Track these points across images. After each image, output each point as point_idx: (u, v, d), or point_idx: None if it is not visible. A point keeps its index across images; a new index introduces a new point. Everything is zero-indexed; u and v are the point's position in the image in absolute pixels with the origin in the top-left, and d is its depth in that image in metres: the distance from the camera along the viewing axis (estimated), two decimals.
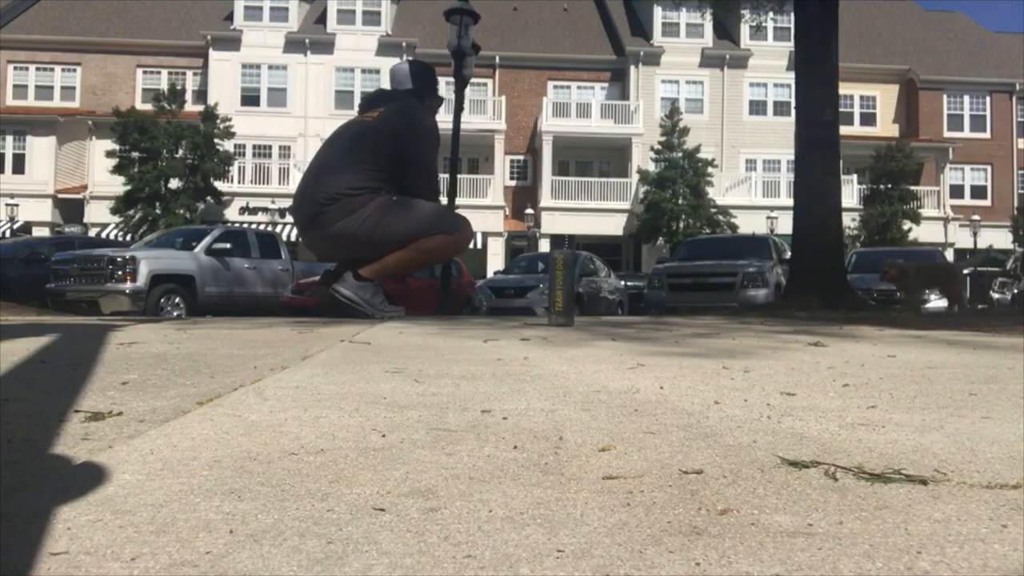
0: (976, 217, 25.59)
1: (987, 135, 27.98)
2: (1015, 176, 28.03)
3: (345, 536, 0.83)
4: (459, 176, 14.40)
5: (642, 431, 1.39)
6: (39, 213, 24.19)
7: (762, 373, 2.17)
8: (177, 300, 9.84)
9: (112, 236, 21.10)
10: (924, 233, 24.67)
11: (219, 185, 23.36)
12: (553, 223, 25.22)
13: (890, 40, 29.40)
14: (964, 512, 0.93)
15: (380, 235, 4.47)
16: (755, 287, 10.60)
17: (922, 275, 8.21)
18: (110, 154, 22.33)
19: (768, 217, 23.64)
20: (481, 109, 25.53)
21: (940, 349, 2.99)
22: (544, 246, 24.25)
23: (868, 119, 28.17)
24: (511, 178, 27.12)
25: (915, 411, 1.61)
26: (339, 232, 4.48)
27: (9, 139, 24.66)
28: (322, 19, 26.70)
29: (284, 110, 26.02)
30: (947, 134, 27.54)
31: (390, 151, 4.55)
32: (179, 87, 24.08)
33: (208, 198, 23.23)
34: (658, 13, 26.92)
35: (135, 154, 22.20)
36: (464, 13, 9.17)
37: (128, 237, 20.50)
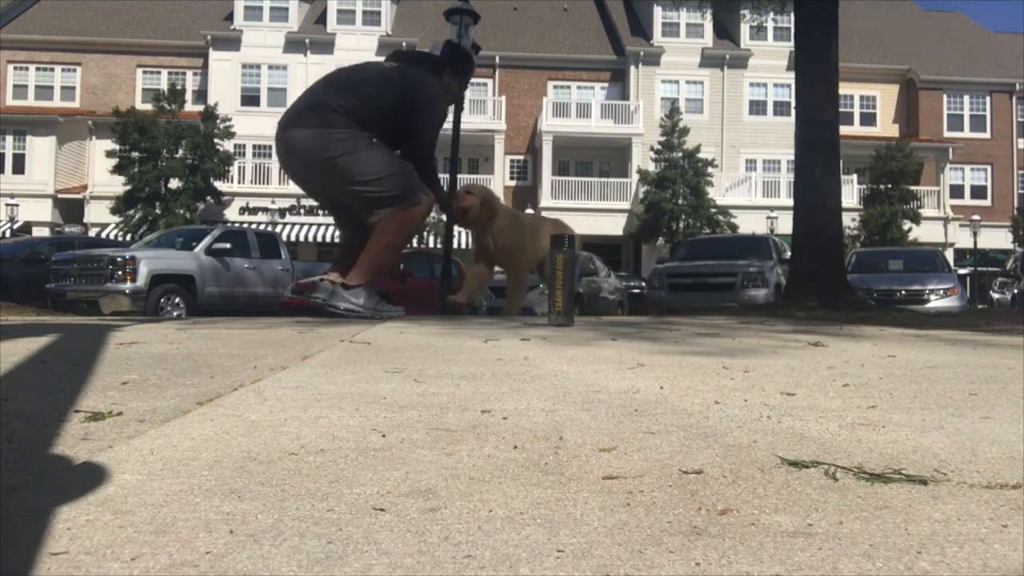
0: (976, 217, 25.60)
1: (987, 135, 28.00)
2: (1015, 176, 28.05)
3: (345, 536, 0.83)
4: (459, 176, 14.39)
5: (642, 431, 1.39)
6: (39, 213, 24.20)
7: (762, 373, 2.17)
8: (177, 300, 9.85)
9: (112, 236, 21.11)
10: (924, 233, 24.68)
11: (219, 185, 23.38)
12: None
13: (890, 40, 29.41)
14: (964, 512, 0.93)
15: (343, 164, 4.29)
16: (755, 287, 10.60)
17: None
18: (110, 154, 22.35)
19: (768, 217, 23.65)
20: (481, 109, 25.53)
21: (940, 349, 2.99)
22: None
23: (868, 119, 28.18)
24: (511, 178, 27.12)
25: (915, 411, 1.61)
26: (308, 140, 4.36)
27: (9, 139, 24.66)
28: (322, 19, 26.70)
29: (284, 110, 25.94)
30: (947, 134, 27.55)
31: (386, 104, 4.42)
32: (179, 87, 24.10)
33: (208, 198, 23.24)
34: (658, 13, 26.93)
35: (135, 154, 22.23)
36: (464, 13, 9.16)
37: (128, 237, 20.51)
